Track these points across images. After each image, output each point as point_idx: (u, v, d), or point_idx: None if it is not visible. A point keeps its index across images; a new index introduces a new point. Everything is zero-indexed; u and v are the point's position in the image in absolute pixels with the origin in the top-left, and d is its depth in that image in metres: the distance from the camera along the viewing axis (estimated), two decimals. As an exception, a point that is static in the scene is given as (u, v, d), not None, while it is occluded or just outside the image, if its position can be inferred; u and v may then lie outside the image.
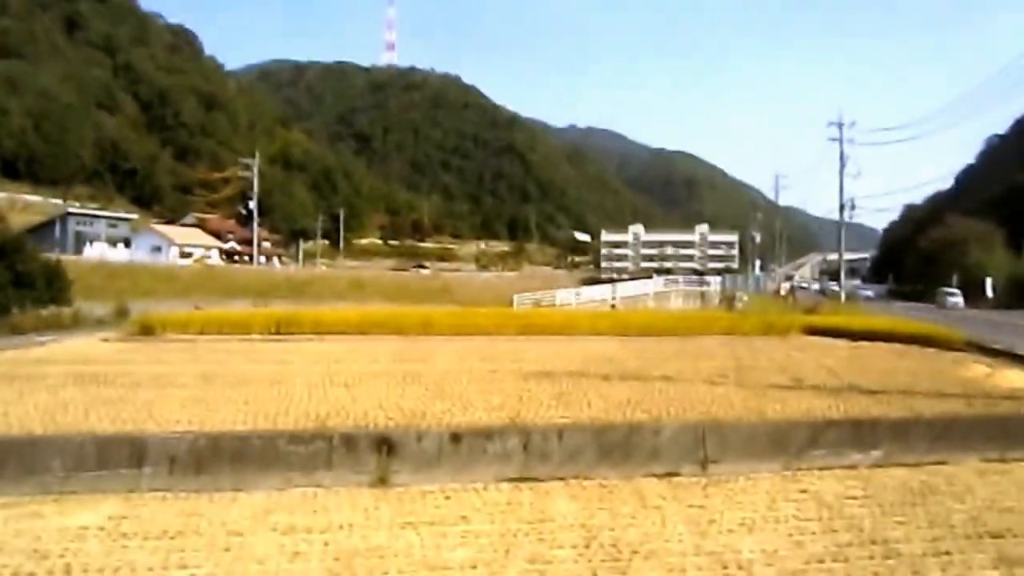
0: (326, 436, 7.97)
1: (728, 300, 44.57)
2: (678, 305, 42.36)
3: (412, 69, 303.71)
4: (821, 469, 8.49)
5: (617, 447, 8.35)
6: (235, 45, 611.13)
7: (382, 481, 7.71)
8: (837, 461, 8.69)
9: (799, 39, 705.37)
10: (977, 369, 14.55)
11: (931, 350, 19.18)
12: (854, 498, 7.58)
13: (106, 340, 19.17)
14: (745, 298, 46.69)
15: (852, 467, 8.66)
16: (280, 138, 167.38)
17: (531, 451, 8.16)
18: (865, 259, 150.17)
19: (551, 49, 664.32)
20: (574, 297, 42.49)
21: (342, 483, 7.64)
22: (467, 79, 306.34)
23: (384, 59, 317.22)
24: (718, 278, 58.15)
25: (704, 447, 8.46)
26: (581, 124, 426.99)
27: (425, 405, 9.96)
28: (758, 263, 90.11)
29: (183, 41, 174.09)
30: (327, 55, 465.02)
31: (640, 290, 45.85)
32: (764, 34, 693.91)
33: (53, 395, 10.54)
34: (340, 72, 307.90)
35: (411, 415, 9.17)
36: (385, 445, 7.91)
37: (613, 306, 40.31)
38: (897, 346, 20.01)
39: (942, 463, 8.89)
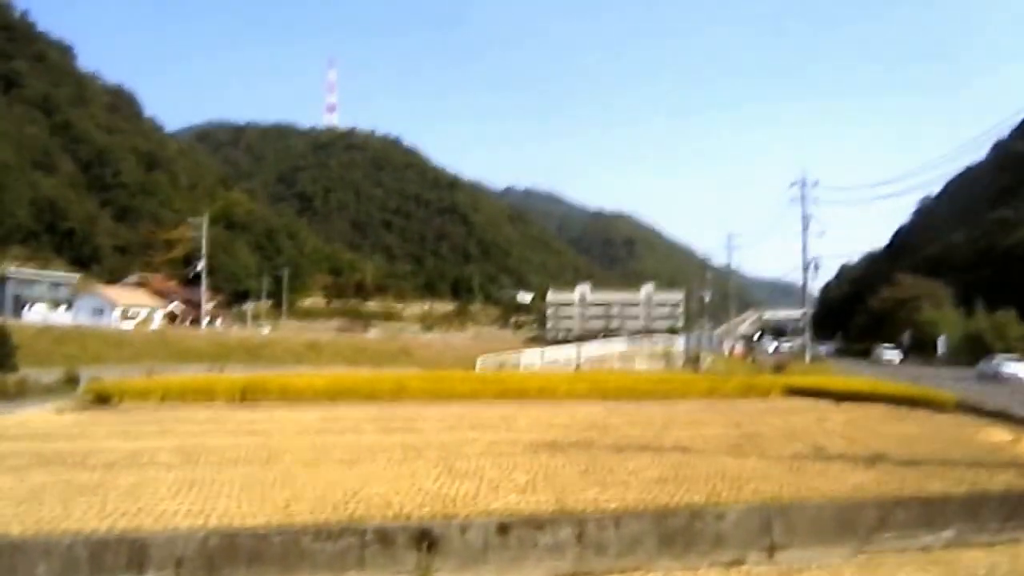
0: (357, 530, 6.97)
1: (693, 361, 44.28)
2: (643, 366, 41.78)
3: (353, 130, 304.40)
4: (897, 553, 7.81)
5: (679, 534, 7.53)
6: (174, 106, 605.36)
7: (423, 582, 6.77)
8: (908, 544, 8.01)
9: (732, 102, 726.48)
10: (996, 434, 14.05)
11: (923, 412, 18.78)
12: (954, 591, 6.89)
13: (60, 411, 17.68)
14: (709, 359, 46.51)
15: (924, 550, 7.99)
16: (222, 198, 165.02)
17: (586, 542, 7.30)
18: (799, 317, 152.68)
19: (490, 112, 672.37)
20: (539, 359, 41.74)
21: (377, 585, 6.70)
22: (408, 141, 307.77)
23: (325, 120, 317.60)
24: (680, 338, 58.02)
25: (771, 532, 7.70)
26: (520, 186, 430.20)
27: (447, 487, 9.00)
28: (707, 323, 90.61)
29: (122, 101, 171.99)
30: (267, 116, 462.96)
31: (605, 351, 45.29)
32: (696, 99, 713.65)
33: (19, 480, 9.30)
34: (280, 133, 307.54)
35: (440, 500, 8.20)
36: (426, 540, 6.96)
37: (578, 367, 39.68)
38: (888, 408, 19.57)
39: (1015, 542, 8.30)
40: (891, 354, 62.37)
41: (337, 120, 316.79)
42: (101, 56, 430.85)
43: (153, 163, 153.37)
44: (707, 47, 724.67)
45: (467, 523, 7.25)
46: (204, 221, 65.01)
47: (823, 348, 76.03)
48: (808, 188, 47.70)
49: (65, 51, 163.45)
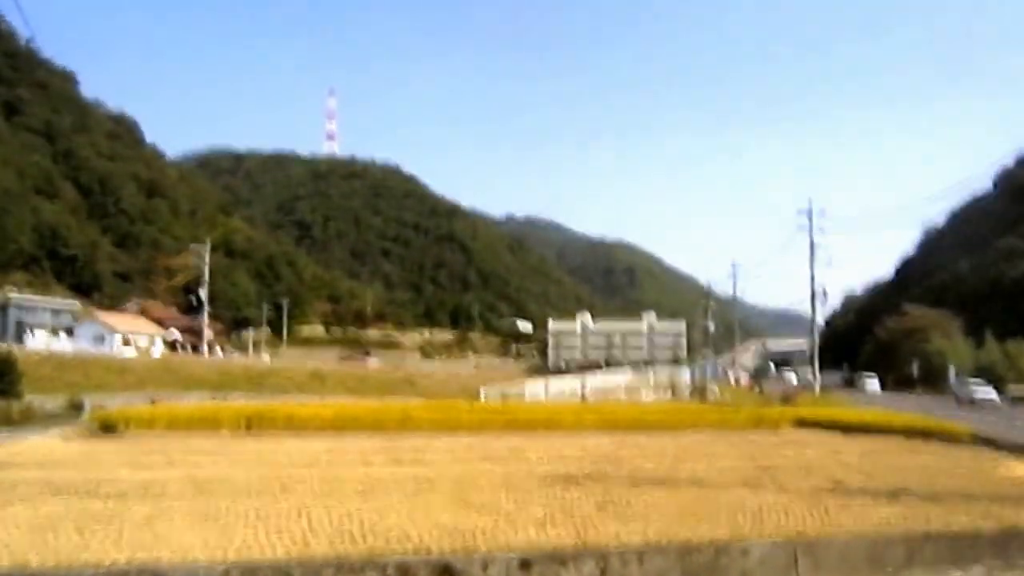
0: (378, 564, 6.84)
1: (700, 392, 44.08)
2: (650, 397, 41.66)
3: (353, 158, 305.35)
4: (925, 591, 7.67)
5: (703, 571, 7.39)
6: (175, 133, 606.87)
7: (445, 619, 6.63)
8: (937, 581, 7.87)
9: (734, 130, 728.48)
10: (1017, 468, 13.91)
11: (937, 444, 18.62)
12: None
13: (66, 439, 17.55)
14: (716, 390, 46.25)
15: (953, 588, 7.84)
16: (221, 225, 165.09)
17: (610, 578, 7.16)
18: (803, 347, 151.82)
19: (489, 140, 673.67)
20: (543, 390, 41.50)
21: (399, 622, 6.56)
22: (407, 169, 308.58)
23: (325, 148, 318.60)
24: (686, 368, 57.81)
25: (797, 569, 7.56)
26: (519, 214, 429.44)
27: (464, 520, 8.86)
28: (711, 352, 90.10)
29: (124, 129, 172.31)
30: (267, 144, 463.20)
31: (610, 381, 45.06)
32: (696, 127, 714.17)
33: (33, 509, 9.19)
34: (280, 161, 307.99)
35: (458, 534, 8.07)
36: (447, 574, 6.83)
37: (583, 398, 39.49)
38: (901, 440, 19.41)
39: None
40: (984, 390, 48.04)
41: (337, 148, 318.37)
42: (103, 84, 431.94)
43: (154, 190, 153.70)
44: (708, 75, 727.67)
45: (489, 558, 7.11)
46: (207, 248, 64.97)
47: (870, 384, 66.83)
48: (814, 217, 47.83)
49: (68, 78, 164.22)
